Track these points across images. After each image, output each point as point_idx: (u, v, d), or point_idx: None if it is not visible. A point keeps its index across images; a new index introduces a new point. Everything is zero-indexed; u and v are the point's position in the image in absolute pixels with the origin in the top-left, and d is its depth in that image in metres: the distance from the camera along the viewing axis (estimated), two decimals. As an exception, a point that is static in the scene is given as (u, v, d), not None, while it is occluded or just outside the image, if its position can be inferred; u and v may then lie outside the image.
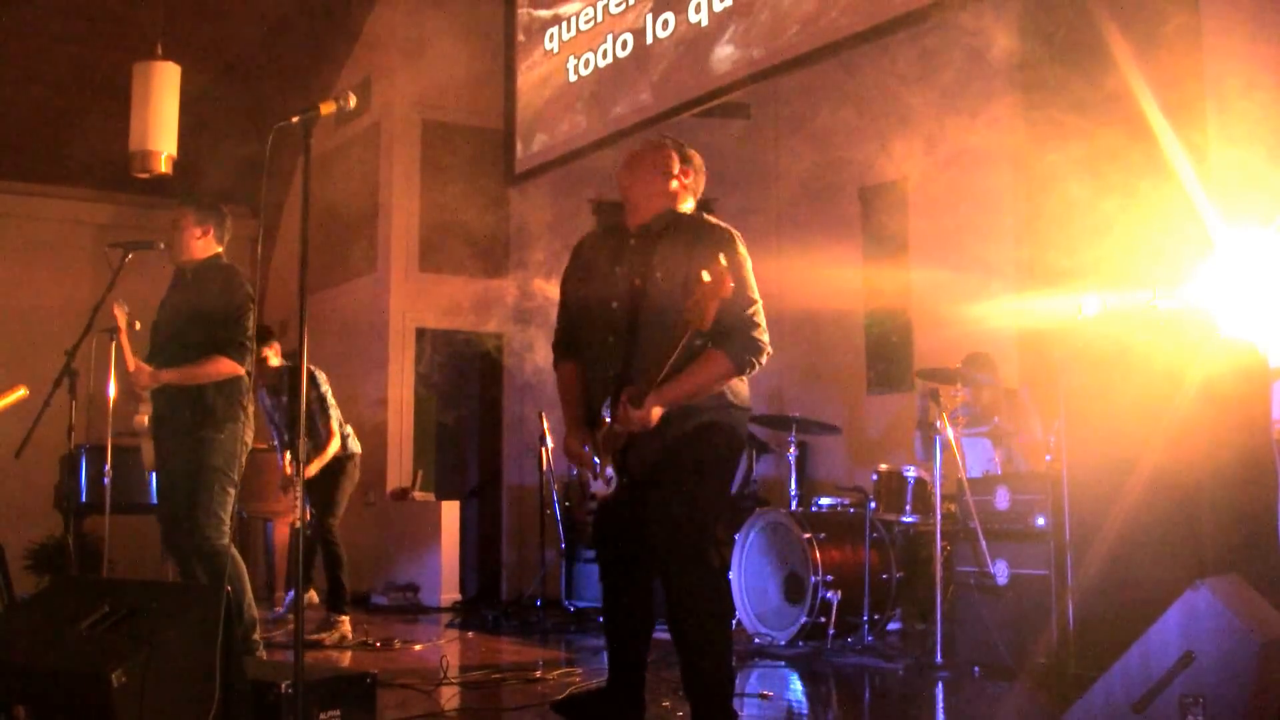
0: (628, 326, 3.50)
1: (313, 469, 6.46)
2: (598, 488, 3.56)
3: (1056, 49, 6.46)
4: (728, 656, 3.46)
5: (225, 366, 4.69)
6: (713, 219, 3.65)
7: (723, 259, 3.15)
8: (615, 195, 9.83)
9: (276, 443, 7.20)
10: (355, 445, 6.95)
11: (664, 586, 3.45)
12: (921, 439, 6.73)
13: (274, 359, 6.74)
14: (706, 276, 3.10)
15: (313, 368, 6.78)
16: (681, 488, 3.40)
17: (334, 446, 6.64)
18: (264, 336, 6.67)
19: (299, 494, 3.25)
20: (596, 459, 3.54)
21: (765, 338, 3.49)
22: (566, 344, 3.77)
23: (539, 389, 9.54)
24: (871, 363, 7.79)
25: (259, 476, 7.75)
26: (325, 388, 6.77)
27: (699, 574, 3.40)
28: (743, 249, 3.56)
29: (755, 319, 3.46)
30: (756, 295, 3.51)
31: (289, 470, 6.78)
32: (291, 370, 6.58)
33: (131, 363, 4.77)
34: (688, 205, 3.70)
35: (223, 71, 9.83)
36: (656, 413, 3.35)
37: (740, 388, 3.57)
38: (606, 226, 3.87)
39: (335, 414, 6.76)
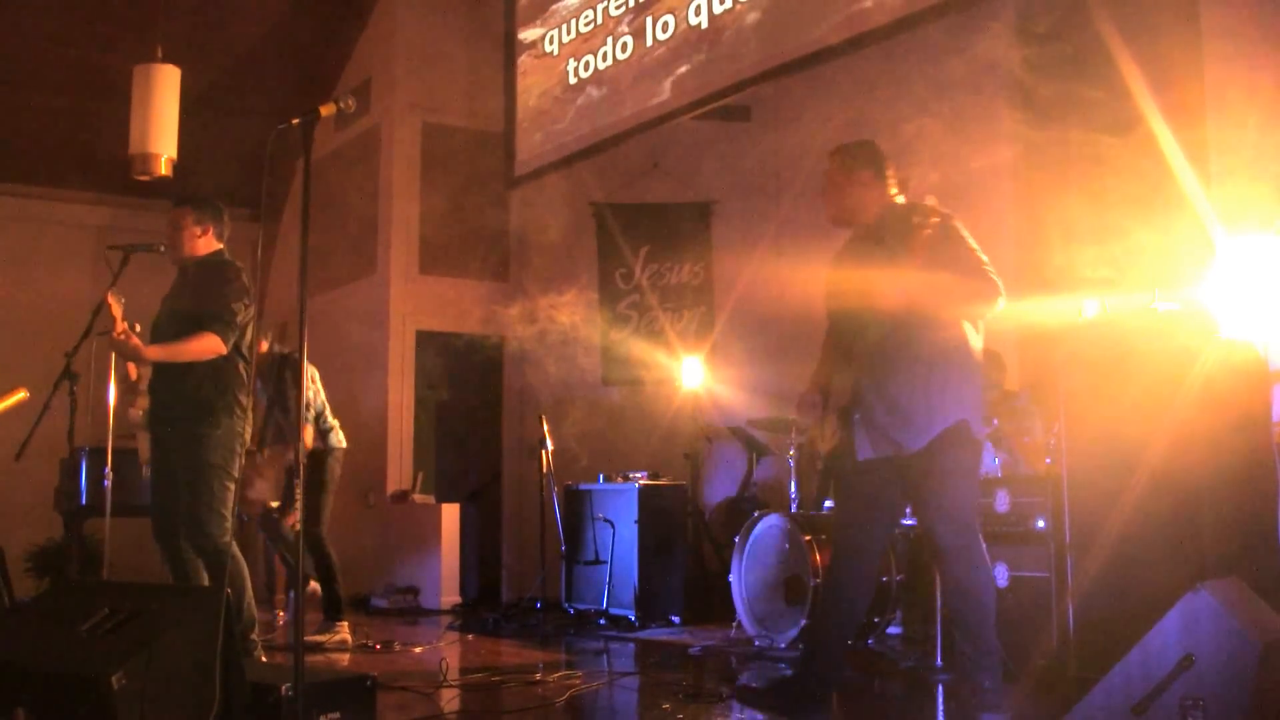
0: (859, 314, 3.93)
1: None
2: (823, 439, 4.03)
3: (1057, 51, 6.47)
4: (990, 612, 3.93)
5: (209, 341, 4.64)
6: (924, 206, 3.97)
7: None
8: (615, 196, 9.89)
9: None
10: (338, 440, 6.80)
11: (941, 572, 4.18)
12: None
13: (264, 345, 6.63)
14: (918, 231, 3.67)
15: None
16: (945, 495, 3.88)
17: (307, 437, 6.45)
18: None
19: (298, 495, 3.26)
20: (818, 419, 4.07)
21: (999, 281, 3.83)
22: (828, 341, 4.32)
23: (539, 391, 9.55)
24: (872, 365, 7.77)
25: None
26: (310, 385, 6.68)
27: (970, 567, 3.91)
28: (957, 224, 3.92)
29: (986, 267, 3.84)
30: (983, 254, 3.88)
31: (263, 455, 6.72)
32: (284, 357, 6.55)
33: (120, 326, 4.66)
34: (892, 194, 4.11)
35: (223, 74, 9.84)
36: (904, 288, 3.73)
37: (978, 386, 4.00)
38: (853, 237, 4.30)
39: (315, 409, 6.67)
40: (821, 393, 4.07)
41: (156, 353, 4.70)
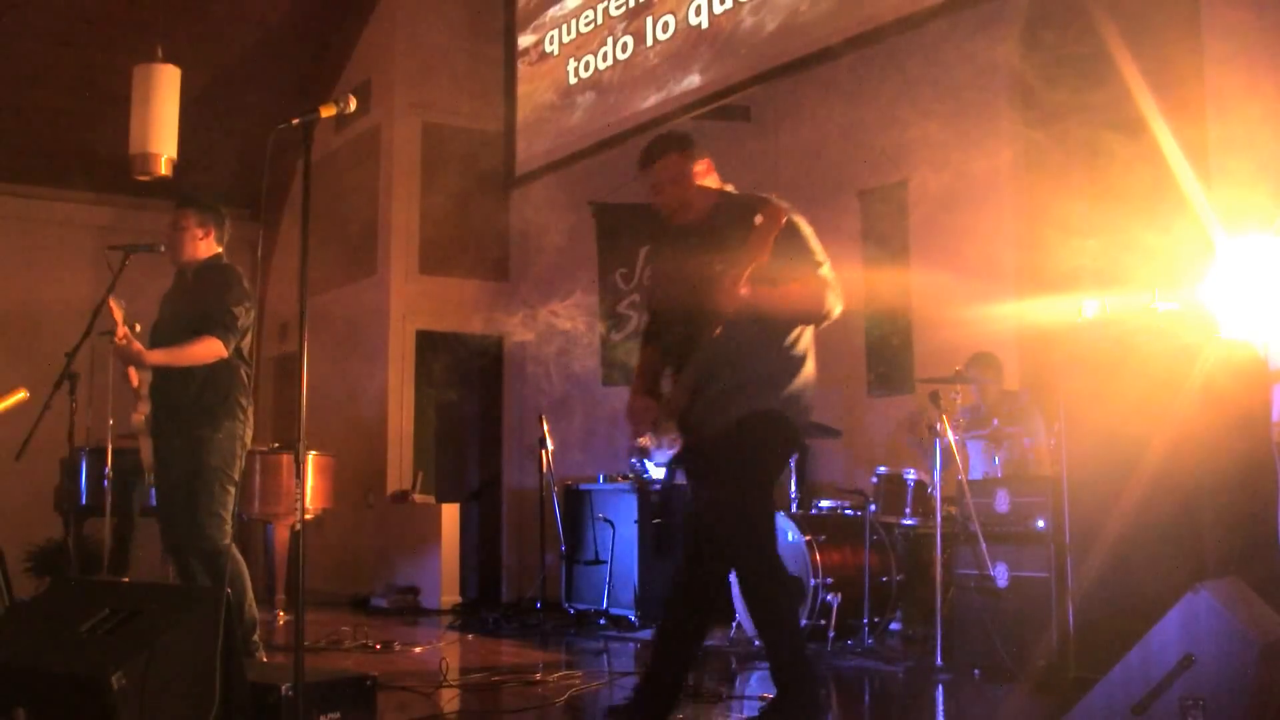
0: (692, 313, 3.62)
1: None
2: (659, 455, 3.67)
3: (1057, 51, 6.47)
4: (792, 632, 3.61)
5: (210, 345, 4.66)
6: (761, 200, 3.70)
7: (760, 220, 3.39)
8: (614, 196, 9.88)
9: None
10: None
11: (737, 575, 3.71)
12: (919, 441, 6.73)
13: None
14: (759, 219, 3.34)
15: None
16: (729, 482, 3.55)
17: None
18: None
19: (301, 492, 3.26)
20: (654, 431, 3.67)
21: (840, 291, 3.59)
22: (649, 334, 3.97)
23: (539, 391, 9.55)
24: (871, 365, 7.79)
25: (260, 479, 7.75)
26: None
27: (753, 562, 3.57)
28: (795, 218, 3.63)
29: (830, 274, 3.58)
30: (822, 251, 3.62)
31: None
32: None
33: (122, 331, 4.65)
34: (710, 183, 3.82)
35: (223, 74, 9.84)
36: (746, 292, 3.40)
37: (799, 381, 3.66)
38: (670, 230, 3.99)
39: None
40: (654, 396, 3.72)
41: (158, 357, 4.70)
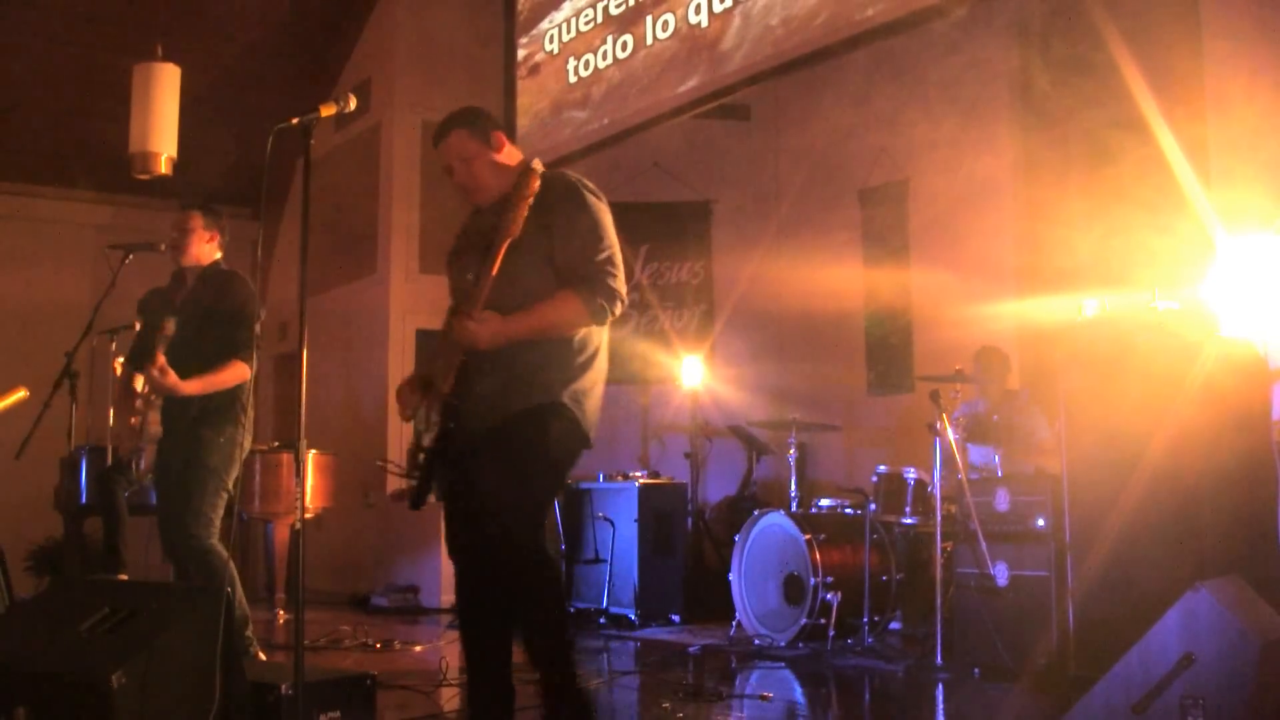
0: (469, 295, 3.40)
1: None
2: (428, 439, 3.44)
3: (1057, 51, 6.47)
4: (560, 639, 3.35)
5: (239, 370, 4.75)
6: (558, 177, 3.49)
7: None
8: (614, 196, 9.84)
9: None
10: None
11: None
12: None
13: None
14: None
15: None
16: (502, 475, 3.28)
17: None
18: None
19: (301, 491, 3.25)
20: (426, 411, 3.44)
21: (622, 286, 3.35)
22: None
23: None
24: (872, 364, 7.80)
25: (260, 478, 7.76)
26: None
27: (518, 561, 3.28)
28: (589, 199, 3.42)
29: (608, 266, 3.34)
30: (609, 241, 3.38)
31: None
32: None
33: (161, 362, 4.65)
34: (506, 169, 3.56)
35: (223, 73, 9.84)
36: (489, 331, 3.24)
37: (587, 379, 3.44)
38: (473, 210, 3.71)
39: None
40: (424, 381, 3.49)
41: (194, 387, 4.72)
